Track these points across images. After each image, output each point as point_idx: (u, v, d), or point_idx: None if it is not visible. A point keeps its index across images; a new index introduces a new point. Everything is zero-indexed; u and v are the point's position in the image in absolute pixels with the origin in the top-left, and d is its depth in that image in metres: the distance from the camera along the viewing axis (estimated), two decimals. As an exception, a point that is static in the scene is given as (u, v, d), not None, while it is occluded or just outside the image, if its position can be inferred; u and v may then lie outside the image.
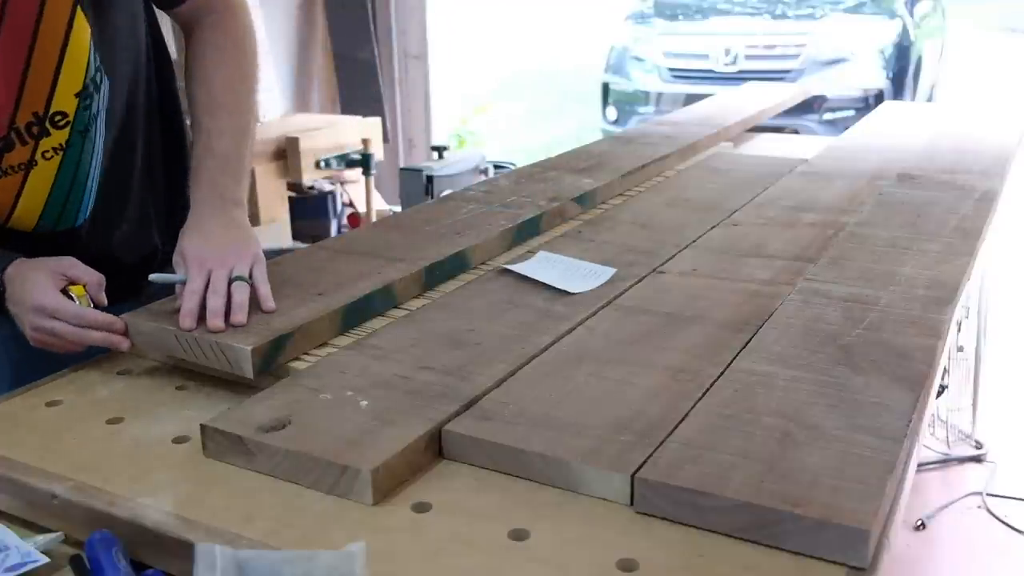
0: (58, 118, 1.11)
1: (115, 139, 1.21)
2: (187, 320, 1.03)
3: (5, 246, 1.12)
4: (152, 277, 1.10)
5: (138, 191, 1.27)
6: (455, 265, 1.30)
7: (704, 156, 2.10)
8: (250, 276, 1.09)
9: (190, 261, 1.08)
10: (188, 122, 1.26)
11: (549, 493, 0.82)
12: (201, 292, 1.05)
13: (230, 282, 1.07)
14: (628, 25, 6.87)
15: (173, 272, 1.11)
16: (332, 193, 3.81)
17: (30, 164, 1.12)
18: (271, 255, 1.34)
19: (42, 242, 1.16)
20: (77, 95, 1.12)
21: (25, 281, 1.05)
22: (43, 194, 1.15)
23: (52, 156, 1.13)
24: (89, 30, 1.10)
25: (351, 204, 3.90)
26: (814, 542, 0.72)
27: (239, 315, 1.04)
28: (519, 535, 0.77)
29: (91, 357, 1.11)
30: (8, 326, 1.09)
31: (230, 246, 1.11)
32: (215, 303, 1.04)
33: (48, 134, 1.11)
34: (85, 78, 1.12)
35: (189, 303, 1.05)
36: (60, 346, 1.05)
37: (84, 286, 1.06)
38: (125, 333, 1.06)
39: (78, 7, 1.08)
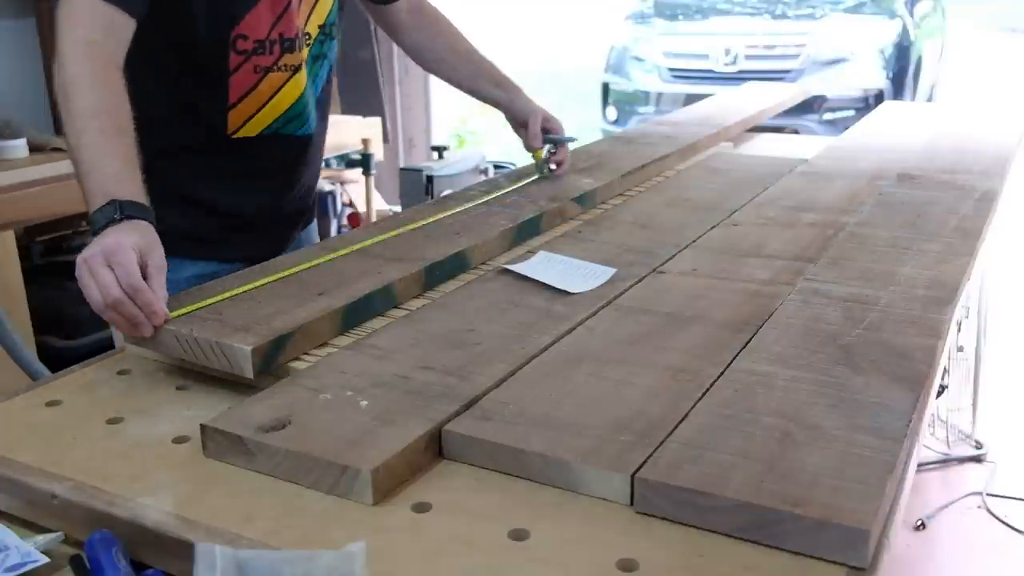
0: (307, 38, 1.44)
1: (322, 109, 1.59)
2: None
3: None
4: (547, 139, 1.68)
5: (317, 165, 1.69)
6: (455, 265, 1.30)
7: (704, 156, 2.10)
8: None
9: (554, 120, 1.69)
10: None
11: (549, 493, 0.82)
12: None
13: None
14: (628, 25, 6.87)
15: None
16: (332, 193, 3.81)
17: (297, 68, 1.42)
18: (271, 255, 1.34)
19: (251, 147, 1.43)
20: (320, 27, 1.46)
21: (122, 236, 1.02)
22: (294, 96, 1.45)
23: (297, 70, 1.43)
24: None
25: (351, 204, 3.90)
26: (814, 542, 0.72)
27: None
28: (519, 535, 0.77)
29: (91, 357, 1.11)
30: None
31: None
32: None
33: (299, 48, 1.42)
34: (327, 18, 1.47)
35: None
36: (94, 296, 1.00)
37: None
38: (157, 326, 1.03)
39: None
